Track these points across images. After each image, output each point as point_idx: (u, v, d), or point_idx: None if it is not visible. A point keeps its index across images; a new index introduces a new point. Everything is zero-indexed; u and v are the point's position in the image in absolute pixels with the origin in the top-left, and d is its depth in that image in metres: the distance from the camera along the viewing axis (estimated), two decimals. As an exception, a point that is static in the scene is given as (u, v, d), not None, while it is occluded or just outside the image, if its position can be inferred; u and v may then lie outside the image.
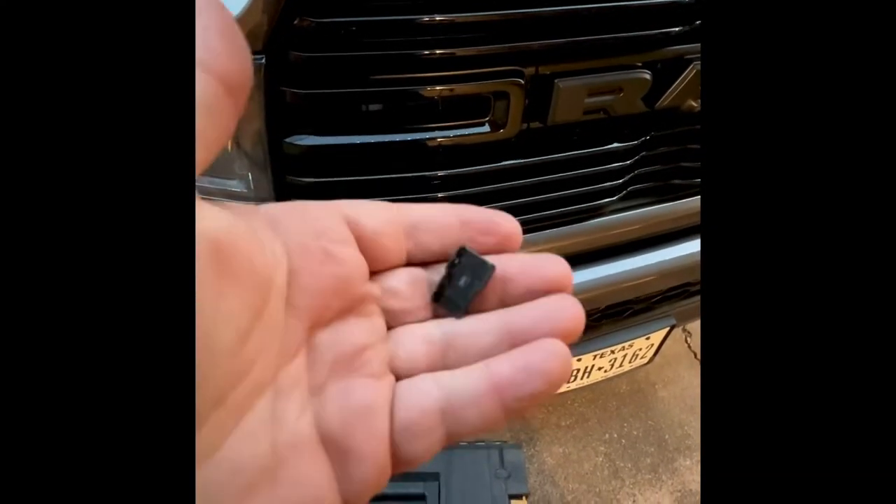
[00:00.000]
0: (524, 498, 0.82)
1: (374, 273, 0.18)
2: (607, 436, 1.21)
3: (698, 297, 0.89)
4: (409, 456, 0.15)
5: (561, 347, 0.16)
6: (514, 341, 0.16)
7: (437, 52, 0.48)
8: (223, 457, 0.13)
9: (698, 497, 1.11)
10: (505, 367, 0.16)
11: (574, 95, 0.53)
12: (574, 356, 0.80)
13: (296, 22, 0.44)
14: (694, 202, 0.72)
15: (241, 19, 0.43)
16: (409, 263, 0.18)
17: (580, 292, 0.69)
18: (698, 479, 1.15)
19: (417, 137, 0.52)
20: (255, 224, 0.15)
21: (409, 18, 0.45)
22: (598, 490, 1.11)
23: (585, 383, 0.88)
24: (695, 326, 1.46)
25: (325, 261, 0.16)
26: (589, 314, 0.77)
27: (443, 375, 0.16)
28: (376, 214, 0.17)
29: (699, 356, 1.40)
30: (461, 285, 0.17)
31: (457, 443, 0.17)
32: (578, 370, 0.84)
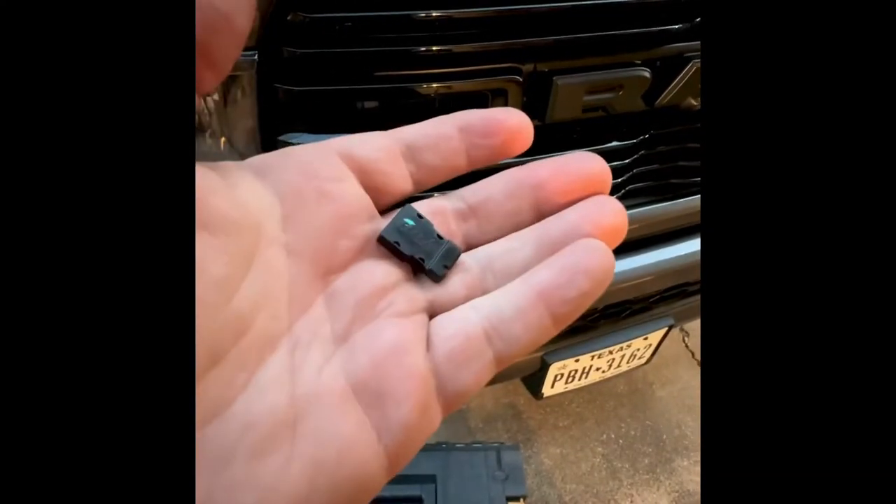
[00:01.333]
0: (522, 500, 0.82)
1: (387, 210, 0.17)
2: (605, 436, 1.21)
3: (696, 298, 0.88)
4: (458, 388, 0.14)
5: (599, 244, 0.15)
6: (554, 249, 0.15)
7: (434, 48, 0.47)
8: (233, 413, 0.12)
9: (696, 497, 1.11)
10: (545, 273, 0.15)
11: (573, 93, 0.52)
12: (572, 357, 0.79)
13: (289, 17, 0.43)
14: (692, 202, 0.72)
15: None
16: (418, 189, 0.17)
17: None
18: (696, 479, 1.14)
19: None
20: (233, 177, 0.14)
21: (406, 14, 0.45)
22: (595, 491, 1.11)
23: (583, 384, 0.87)
24: (693, 326, 1.46)
25: (320, 200, 0.15)
26: (587, 315, 0.77)
27: (480, 300, 0.15)
28: (369, 142, 0.16)
29: (697, 356, 1.40)
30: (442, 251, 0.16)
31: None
32: (576, 371, 0.84)
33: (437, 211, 0.17)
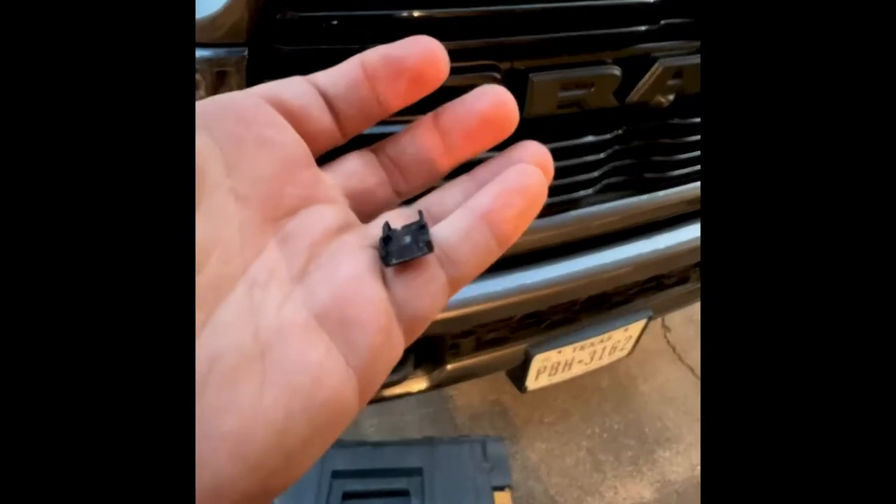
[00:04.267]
0: (507, 489, 0.83)
1: (324, 162, 0.17)
2: (589, 430, 1.23)
3: (674, 290, 0.91)
4: (417, 313, 0.15)
5: (530, 167, 0.16)
6: (481, 187, 0.16)
7: (416, 46, 0.49)
8: (198, 350, 0.13)
9: (677, 486, 1.14)
10: (484, 198, 0.16)
11: (548, 89, 0.55)
12: (555, 349, 0.81)
13: (278, 16, 0.45)
14: (666, 196, 0.75)
15: (224, 12, 0.44)
16: (344, 136, 0.17)
17: (559, 284, 0.71)
18: (677, 469, 1.17)
19: (397, 130, 0.53)
20: None
21: (388, 13, 0.47)
22: (580, 483, 1.13)
23: (567, 376, 0.89)
24: (673, 322, 1.50)
25: (262, 147, 0.15)
26: (569, 306, 0.80)
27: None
28: (295, 89, 0.16)
29: (678, 350, 1.43)
30: (403, 243, 0.16)
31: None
32: (560, 363, 0.86)
33: (369, 162, 0.18)
